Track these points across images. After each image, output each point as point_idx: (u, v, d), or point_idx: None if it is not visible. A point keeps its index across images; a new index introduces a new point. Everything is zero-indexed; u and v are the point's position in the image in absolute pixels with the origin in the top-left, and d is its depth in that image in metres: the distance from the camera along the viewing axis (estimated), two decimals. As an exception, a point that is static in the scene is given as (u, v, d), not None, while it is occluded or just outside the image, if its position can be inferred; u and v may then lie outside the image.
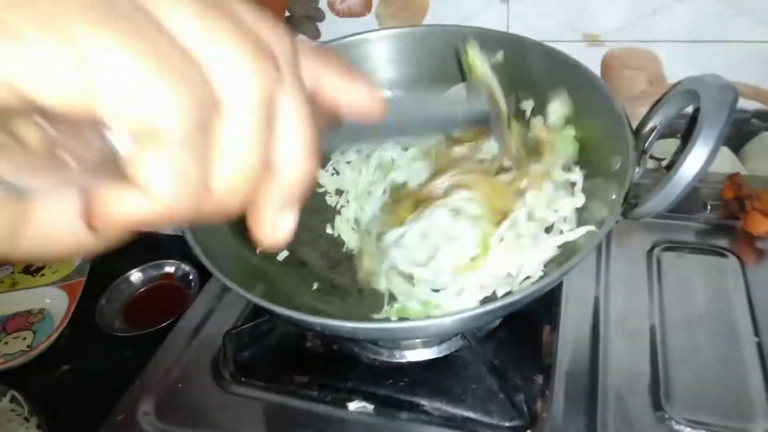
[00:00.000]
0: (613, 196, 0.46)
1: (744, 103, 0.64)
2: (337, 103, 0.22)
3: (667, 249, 0.60)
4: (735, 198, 0.62)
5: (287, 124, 0.18)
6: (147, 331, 0.74)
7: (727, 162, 0.68)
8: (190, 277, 0.85)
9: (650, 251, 0.60)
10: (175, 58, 0.15)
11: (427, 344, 0.54)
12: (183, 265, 0.86)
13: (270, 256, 0.56)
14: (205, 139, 0.16)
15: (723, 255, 0.59)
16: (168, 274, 0.87)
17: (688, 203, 0.64)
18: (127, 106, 0.15)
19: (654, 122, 0.47)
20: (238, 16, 0.17)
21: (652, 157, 0.69)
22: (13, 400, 0.69)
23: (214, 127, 0.17)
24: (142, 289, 0.86)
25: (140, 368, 0.57)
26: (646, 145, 0.47)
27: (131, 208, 0.16)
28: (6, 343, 0.79)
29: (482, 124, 0.46)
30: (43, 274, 0.92)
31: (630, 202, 0.44)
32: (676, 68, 0.63)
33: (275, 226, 0.19)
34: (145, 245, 0.96)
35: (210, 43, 0.16)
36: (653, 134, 0.47)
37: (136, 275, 0.86)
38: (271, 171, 0.18)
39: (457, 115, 0.38)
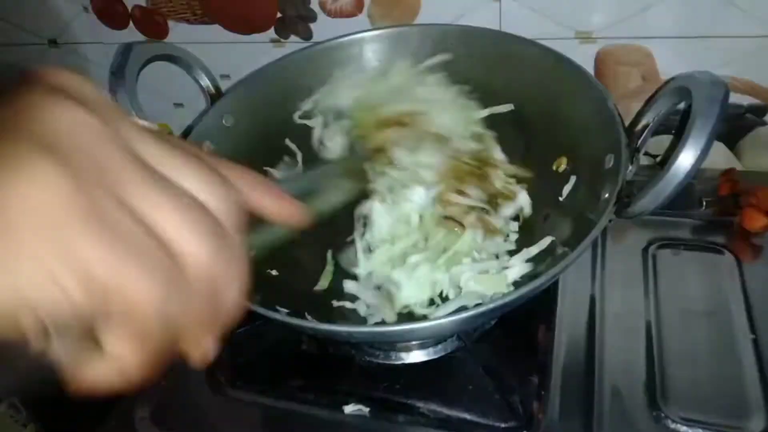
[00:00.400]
0: (606, 195, 0.46)
1: (738, 98, 0.63)
2: (265, 213, 0.26)
3: (663, 246, 0.60)
4: (730, 194, 0.61)
5: (229, 281, 0.21)
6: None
7: (722, 158, 0.68)
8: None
9: (646, 249, 0.60)
10: (148, 248, 0.19)
11: (422, 346, 0.54)
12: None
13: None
14: (180, 313, 0.20)
15: (719, 252, 0.58)
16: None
17: (683, 200, 0.64)
18: (115, 302, 0.18)
19: (647, 119, 0.47)
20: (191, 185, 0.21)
21: (647, 153, 0.69)
22: (10, 405, 0.69)
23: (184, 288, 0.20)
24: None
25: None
26: (639, 142, 0.47)
27: (102, 374, 0.19)
28: (3, 348, 0.79)
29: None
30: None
31: (623, 200, 0.44)
32: (670, 64, 0.63)
33: (205, 348, 0.22)
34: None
35: (172, 224, 0.19)
36: (646, 132, 0.47)
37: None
38: (214, 315, 0.22)
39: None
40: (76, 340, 0.19)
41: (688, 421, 0.45)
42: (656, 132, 0.67)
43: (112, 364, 0.19)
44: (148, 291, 0.18)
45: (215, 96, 0.60)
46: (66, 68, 0.21)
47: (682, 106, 0.45)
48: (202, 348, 0.22)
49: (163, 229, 0.19)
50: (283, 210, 0.26)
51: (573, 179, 0.54)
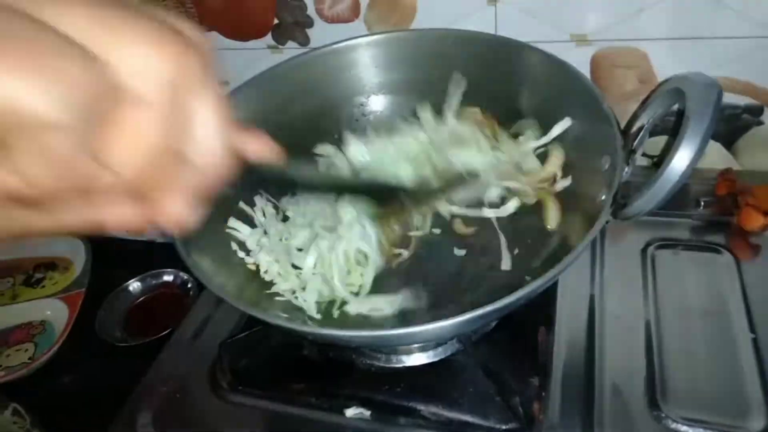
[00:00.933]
0: (603, 197, 0.46)
1: (735, 99, 0.64)
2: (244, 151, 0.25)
3: (661, 247, 0.60)
4: (728, 194, 0.62)
5: (201, 118, 0.19)
6: (147, 341, 0.75)
7: (719, 158, 0.68)
8: (189, 285, 0.85)
9: (644, 249, 0.60)
10: (54, 58, 0.16)
11: (423, 348, 0.54)
12: (181, 274, 0.87)
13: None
14: (94, 123, 0.17)
15: (717, 251, 0.59)
16: (167, 283, 0.87)
17: (681, 200, 0.64)
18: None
19: (642, 121, 0.47)
20: (157, 19, 0.19)
21: (644, 155, 0.70)
22: (15, 413, 0.70)
23: (113, 112, 0.17)
24: (141, 299, 0.86)
25: (142, 378, 0.58)
26: (635, 144, 0.47)
27: (3, 185, 0.17)
28: (8, 355, 0.80)
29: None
30: (43, 286, 0.93)
31: (619, 202, 0.44)
32: (666, 66, 0.63)
33: (179, 213, 0.20)
34: (143, 254, 0.97)
35: (107, 37, 0.17)
36: (641, 133, 0.47)
37: (134, 285, 0.87)
38: (182, 161, 0.19)
39: None
40: None
41: (689, 421, 0.45)
42: (654, 133, 0.68)
43: (17, 173, 0.17)
44: (32, 89, 0.16)
45: (214, 103, 0.60)
46: None
47: (677, 107, 0.46)
48: (169, 205, 0.20)
49: (92, 38, 0.17)
50: (263, 148, 0.26)
51: (569, 180, 0.54)
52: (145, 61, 0.18)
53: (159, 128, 0.18)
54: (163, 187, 0.20)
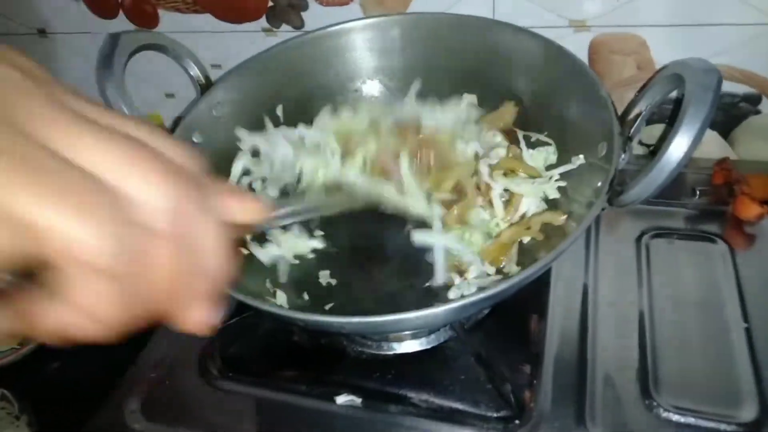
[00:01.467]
0: (599, 183, 0.46)
1: (733, 87, 0.63)
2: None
3: (656, 236, 0.60)
4: (724, 183, 0.61)
5: (205, 239, 0.21)
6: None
7: (716, 147, 0.68)
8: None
9: (639, 238, 0.60)
10: (82, 186, 0.17)
11: (415, 336, 0.53)
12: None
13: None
14: (137, 262, 0.18)
15: (712, 241, 0.58)
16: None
17: (676, 189, 0.64)
18: (60, 248, 0.17)
19: (639, 108, 0.47)
20: (154, 149, 0.20)
21: (640, 143, 0.69)
22: (2, 398, 0.69)
23: (142, 244, 0.19)
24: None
25: (135, 362, 0.57)
26: (632, 131, 0.47)
27: (59, 321, 0.18)
28: (-5, 341, 0.79)
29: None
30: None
31: (616, 189, 0.44)
32: (664, 52, 0.63)
33: (206, 317, 0.22)
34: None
35: (126, 176, 0.18)
36: (639, 120, 0.47)
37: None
38: (196, 276, 0.21)
39: None
40: (13, 285, 0.18)
41: (680, 410, 0.45)
42: (651, 121, 0.67)
43: (72, 308, 0.18)
44: (85, 232, 0.17)
45: (205, 86, 0.59)
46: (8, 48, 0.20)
47: (675, 94, 0.45)
48: (195, 314, 0.21)
49: (105, 171, 0.18)
50: (249, 209, 0.26)
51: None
52: (152, 194, 0.19)
53: (176, 255, 0.20)
54: (186, 302, 0.21)
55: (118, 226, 0.17)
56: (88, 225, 0.17)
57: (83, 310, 0.18)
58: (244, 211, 0.25)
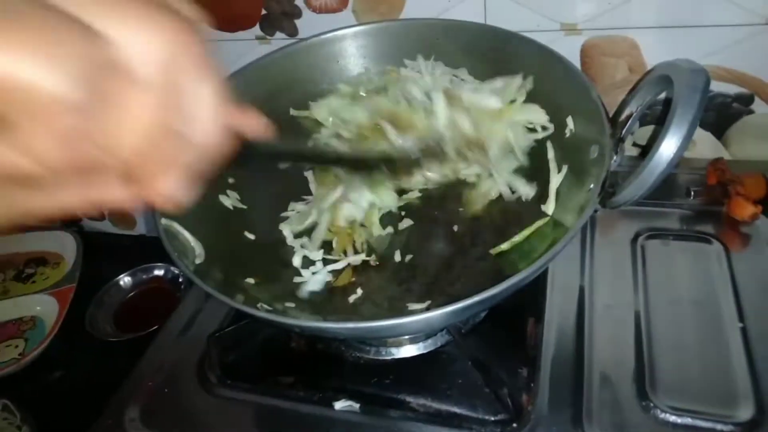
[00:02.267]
0: (591, 186, 0.46)
1: (725, 87, 0.63)
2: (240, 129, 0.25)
3: (651, 237, 0.60)
4: (718, 183, 0.61)
5: (198, 98, 0.19)
6: (138, 335, 0.74)
7: (710, 147, 0.68)
8: (180, 280, 0.84)
9: (634, 239, 0.60)
10: (58, 35, 0.16)
11: (413, 340, 0.54)
12: (172, 268, 0.86)
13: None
14: (99, 101, 0.17)
15: (707, 241, 0.58)
16: (157, 278, 0.86)
17: (671, 190, 0.64)
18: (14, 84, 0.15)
19: (630, 109, 0.47)
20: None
21: (634, 144, 0.69)
22: (5, 408, 0.69)
23: (115, 91, 0.17)
24: (132, 293, 0.86)
25: (134, 370, 0.57)
26: (623, 132, 0.47)
27: (10, 163, 0.17)
28: (-2, 351, 0.79)
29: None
30: (34, 281, 0.92)
31: (608, 191, 0.44)
32: (656, 54, 0.63)
33: (173, 191, 0.20)
34: (133, 249, 0.96)
35: (109, 16, 0.17)
36: (630, 122, 0.47)
37: (125, 280, 0.86)
38: (178, 140, 0.19)
39: None
40: None
41: (677, 410, 0.45)
42: (646, 122, 0.68)
43: (24, 151, 0.17)
44: (52, 73, 0.15)
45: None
46: None
47: (665, 95, 0.45)
48: (164, 184, 0.20)
49: (95, 15, 0.17)
50: (255, 124, 0.26)
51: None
52: (145, 42, 0.18)
53: (157, 109, 0.18)
54: (159, 165, 0.20)
55: (86, 67, 0.16)
56: (51, 62, 0.16)
57: (29, 148, 0.16)
58: (246, 123, 0.25)
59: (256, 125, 0.26)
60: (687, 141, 0.39)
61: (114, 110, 0.18)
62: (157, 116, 0.18)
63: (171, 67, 0.18)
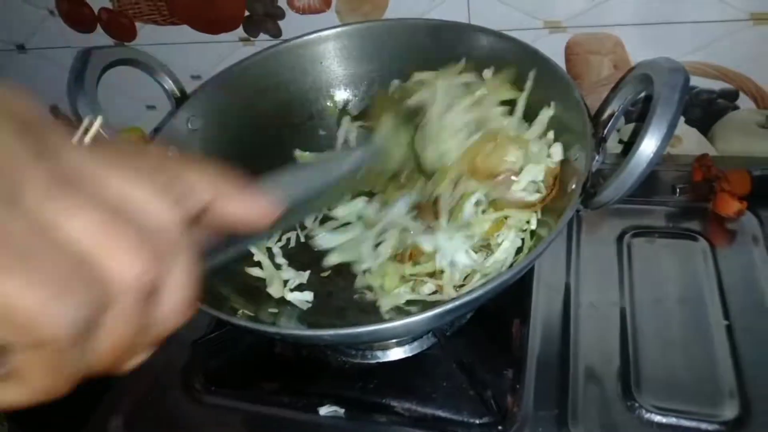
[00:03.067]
0: (573, 186, 0.46)
1: (710, 84, 0.63)
2: (231, 221, 0.24)
3: (637, 234, 0.60)
4: (704, 180, 0.61)
5: (169, 291, 0.20)
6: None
7: (696, 144, 0.68)
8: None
9: (620, 237, 0.59)
10: (60, 272, 0.17)
11: (399, 343, 0.53)
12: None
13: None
14: (88, 334, 0.18)
15: (693, 238, 0.58)
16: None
17: (657, 187, 0.64)
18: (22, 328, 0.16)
19: (612, 108, 0.47)
20: (124, 201, 0.19)
21: (620, 142, 0.69)
22: (-12, 416, 0.69)
23: (99, 320, 0.18)
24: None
25: (119, 379, 0.57)
26: (605, 132, 0.47)
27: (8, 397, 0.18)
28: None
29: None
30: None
31: (589, 191, 0.44)
32: (640, 51, 0.63)
33: (127, 364, 0.21)
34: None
35: (93, 245, 0.18)
36: (611, 121, 0.47)
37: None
38: (145, 335, 0.20)
39: (353, 164, 0.42)
40: None
41: (662, 410, 0.45)
42: (631, 119, 0.67)
43: (21, 386, 0.18)
44: (58, 317, 0.17)
45: (180, 99, 0.59)
46: (8, 83, 0.19)
47: (645, 93, 0.45)
48: (130, 364, 0.21)
49: (77, 240, 0.17)
50: (252, 214, 0.24)
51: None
52: (120, 268, 0.18)
53: (132, 326, 0.19)
54: (126, 357, 0.20)
55: (87, 306, 0.17)
56: (61, 305, 0.17)
57: (28, 384, 0.18)
58: (250, 214, 0.24)
59: (257, 214, 0.25)
60: (667, 140, 0.39)
61: (99, 336, 0.19)
62: (132, 331, 0.19)
63: (147, 282, 0.19)
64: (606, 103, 0.47)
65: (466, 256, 0.51)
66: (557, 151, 0.51)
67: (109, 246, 0.18)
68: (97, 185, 0.19)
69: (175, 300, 0.20)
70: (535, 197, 0.51)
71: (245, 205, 0.24)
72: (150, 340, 0.21)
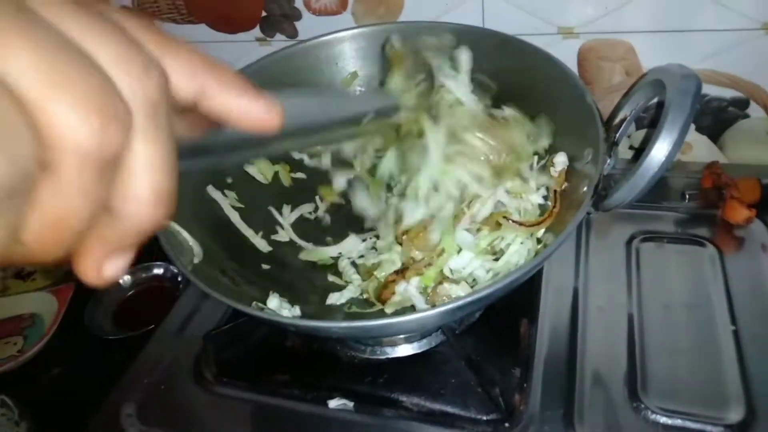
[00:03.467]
0: (584, 188, 0.46)
1: (721, 92, 0.64)
2: (225, 115, 0.21)
3: (646, 239, 0.60)
4: (713, 187, 0.62)
5: (135, 171, 0.17)
6: (137, 334, 0.74)
7: (706, 151, 0.68)
8: (179, 279, 0.85)
9: (629, 242, 0.60)
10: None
11: (408, 340, 0.54)
12: (172, 267, 0.86)
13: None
14: (18, 202, 0.15)
15: (701, 244, 0.59)
16: (157, 276, 0.87)
17: (666, 193, 0.64)
18: None
19: (624, 113, 0.47)
20: (93, 47, 0.16)
21: (631, 147, 0.70)
22: (3, 404, 0.70)
23: (36, 182, 0.15)
24: (131, 292, 0.86)
25: (131, 367, 0.58)
26: (617, 136, 0.47)
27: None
28: (-3, 348, 0.80)
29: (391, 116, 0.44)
30: (34, 279, 0.93)
31: (600, 194, 0.45)
32: (652, 58, 0.63)
33: (101, 268, 0.18)
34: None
35: (36, 87, 0.15)
36: (623, 125, 0.47)
37: (125, 278, 0.86)
38: (110, 213, 0.17)
39: (362, 109, 0.37)
40: None
41: (668, 412, 0.46)
42: (642, 125, 0.68)
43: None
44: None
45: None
46: None
47: (658, 99, 0.46)
48: (95, 264, 0.18)
49: (15, 81, 0.14)
50: (251, 111, 0.21)
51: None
52: (79, 121, 0.15)
53: (81, 197, 0.16)
54: (88, 243, 0.17)
55: (11, 162, 0.14)
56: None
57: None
58: (248, 111, 0.20)
59: (264, 115, 0.21)
60: (679, 145, 0.40)
61: (38, 202, 0.16)
62: (78, 206, 0.16)
63: (92, 154, 0.16)
64: (618, 107, 0.48)
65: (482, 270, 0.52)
66: (561, 161, 0.52)
67: (59, 91, 0.15)
68: (66, 21, 0.16)
69: (143, 184, 0.17)
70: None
71: (243, 99, 0.21)
72: (118, 236, 0.18)
